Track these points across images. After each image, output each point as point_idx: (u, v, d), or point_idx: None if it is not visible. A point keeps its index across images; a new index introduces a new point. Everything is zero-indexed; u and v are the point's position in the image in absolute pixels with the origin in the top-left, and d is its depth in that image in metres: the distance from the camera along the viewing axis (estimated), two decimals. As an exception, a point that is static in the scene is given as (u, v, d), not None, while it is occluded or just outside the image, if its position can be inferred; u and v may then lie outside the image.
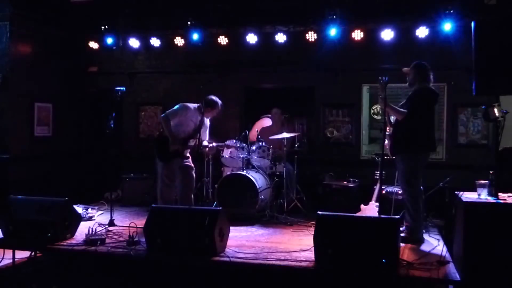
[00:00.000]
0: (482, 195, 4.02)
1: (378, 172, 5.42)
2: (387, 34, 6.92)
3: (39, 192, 5.42)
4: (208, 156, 7.00)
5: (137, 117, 8.69)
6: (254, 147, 6.65)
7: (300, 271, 4.10)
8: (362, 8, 7.02)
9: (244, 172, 6.29)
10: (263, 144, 6.68)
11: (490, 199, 3.96)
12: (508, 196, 4.05)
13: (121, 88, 5.93)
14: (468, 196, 4.12)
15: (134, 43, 7.93)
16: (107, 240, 4.79)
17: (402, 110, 4.94)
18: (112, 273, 4.59)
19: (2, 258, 4.73)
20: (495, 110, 4.00)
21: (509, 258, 3.69)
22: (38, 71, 7.87)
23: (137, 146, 8.60)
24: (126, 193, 7.59)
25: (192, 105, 5.92)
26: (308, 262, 4.19)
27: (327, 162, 7.71)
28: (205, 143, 5.98)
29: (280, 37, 7.36)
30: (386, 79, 4.87)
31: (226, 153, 6.62)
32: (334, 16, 6.76)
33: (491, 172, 4.15)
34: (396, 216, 4.53)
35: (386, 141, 5.18)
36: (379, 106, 6.84)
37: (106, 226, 5.49)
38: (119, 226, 5.56)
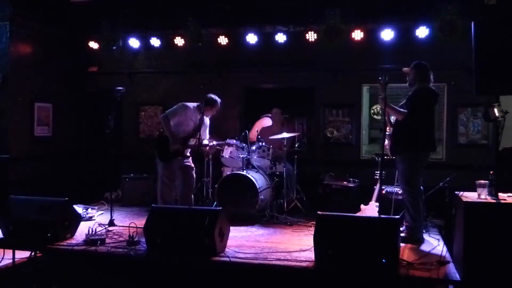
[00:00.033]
0: (482, 195, 4.02)
1: (378, 172, 5.41)
2: (387, 34, 6.92)
3: (39, 192, 5.42)
4: (208, 156, 7.00)
5: (137, 117, 8.69)
6: (254, 147, 6.65)
7: (300, 271, 4.10)
8: (362, 8, 7.02)
9: (244, 172, 6.29)
10: (263, 144, 6.68)
11: (490, 199, 3.96)
12: (508, 196, 4.05)
13: (121, 88, 5.91)
14: (468, 196, 4.12)
15: (134, 43, 7.92)
16: (107, 240, 4.79)
17: (402, 110, 4.94)
18: (112, 273, 4.59)
19: (2, 258, 4.73)
20: (495, 110, 4.00)
21: (509, 258, 3.69)
22: (38, 71, 7.87)
23: (137, 146, 8.61)
24: (126, 193, 7.59)
25: (192, 104, 5.92)
26: (308, 262, 4.19)
27: (327, 162, 7.71)
28: (205, 142, 5.98)
29: (280, 37, 7.35)
30: (386, 79, 4.87)
31: (226, 153, 6.62)
32: (334, 16, 6.75)
33: (491, 172, 4.15)
34: (396, 216, 4.53)
35: (386, 141, 5.18)
36: (379, 106, 6.84)
37: (106, 226, 5.49)
38: (119, 226, 5.56)
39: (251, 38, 7.42)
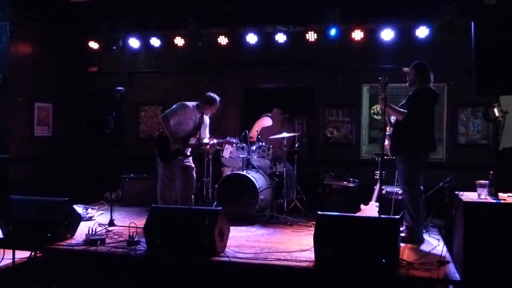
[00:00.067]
0: (482, 195, 4.02)
1: (378, 172, 5.41)
2: (387, 34, 6.91)
3: (39, 192, 5.41)
4: (208, 156, 7.00)
5: (137, 117, 8.70)
6: (254, 147, 6.65)
7: (300, 271, 4.10)
8: (362, 8, 7.02)
9: (244, 172, 6.29)
10: (263, 144, 6.68)
11: (490, 199, 3.96)
12: (508, 196, 4.05)
13: (121, 88, 5.91)
14: (468, 196, 4.12)
15: (134, 43, 7.92)
16: (107, 240, 4.79)
17: (402, 110, 4.94)
18: (112, 273, 4.59)
19: (2, 258, 4.73)
20: (495, 110, 4.00)
21: (509, 258, 3.69)
22: (38, 71, 7.88)
23: (137, 146, 8.61)
24: (126, 193, 7.58)
25: (191, 104, 5.92)
26: (308, 262, 4.19)
27: (327, 162, 7.71)
28: (205, 140, 5.99)
29: (280, 37, 7.35)
30: (386, 79, 4.86)
31: (226, 153, 6.62)
32: (334, 16, 6.75)
33: (491, 172, 4.15)
34: (396, 216, 4.53)
35: (386, 141, 5.18)
36: (379, 106, 6.84)
37: (106, 226, 5.49)
38: (119, 226, 5.56)
39: (251, 38, 7.42)
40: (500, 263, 3.71)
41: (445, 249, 4.52)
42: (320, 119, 7.93)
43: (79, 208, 5.97)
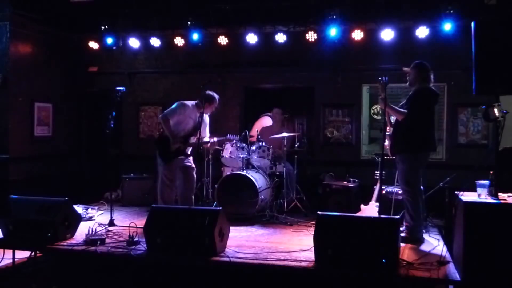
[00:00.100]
0: (482, 195, 4.02)
1: (378, 172, 5.41)
2: (387, 34, 6.91)
3: (39, 192, 5.42)
4: (208, 156, 7.00)
5: (137, 117, 8.70)
6: (254, 147, 6.65)
7: (300, 271, 4.10)
8: (362, 8, 7.02)
9: (244, 172, 6.29)
10: (263, 144, 6.68)
11: (490, 199, 3.96)
12: (508, 196, 4.05)
13: (121, 88, 5.91)
14: (468, 196, 4.12)
15: (134, 43, 7.92)
16: (107, 240, 4.79)
17: (402, 110, 4.94)
18: (112, 273, 4.59)
19: (2, 258, 4.73)
20: (495, 110, 4.00)
21: (509, 258, 3.69)
22: (38, 71, 7.88)
23: (137, 146, 8.61)
24: (126, 193, 7.58)
25: (190, 103, 5.94)
26: (308, 262, 4.19)
27: (327, 162, 7.72)
28: (206, 139, 6.00)
29: (280, 37, 7.35)
30: (386, 79, 4.86)
31: (226, 153, 6.62)
32: (334, 16, 6.75)
33: (491, 172, 4.15)
34: (396, 216, 4.53)
35: (386, 141, 5.18)
36: (379, 106, 6.84)
37: (106, 226, 5.49)
38: (119, 226, 5.56)
39: (251, 38, 7.42)
40: (500, 263, 3.71)
41: (445, 249, 4.51)
42: (320, 119, 7.93)
43: (79, 208, 5.97)
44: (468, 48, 4.20)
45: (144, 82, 8.65)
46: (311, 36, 7.21)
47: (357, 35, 7.05)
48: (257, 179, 6.28)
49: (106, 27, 7.66)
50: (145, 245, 4.52)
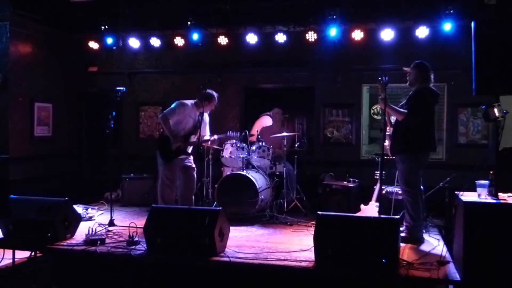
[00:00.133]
0: (482, 195, 4.02)
1: (378, 172, 5.41)
2: (387, 34, 6.91)
3: (39, 192, 5.42)
4: (209, 156, 7.00)
5: (137, 117, 8.70)
6: (254, 147, 6.65)
7: (300, 271, 4.10)
8: (362, 8, 7.03)
9: (244, 172, 6.29)
10: (263, 144, 6.68)
11: (490, 199, 3.96)
12: (508, 196, 4.05)
13: (121, 88, 5.91)
14: (468, 196, 4.12)
15: (134, 43, 7.92)
16: (107, 240, 4.79)
17: (402, 110, 4.94)
18: (112, 273, 4.59)
19: (2, 258, 4.73)
20: (495, 110, 4.00)
21: (509, 258, 3.69)
22: (38, 71, 7.88)
23: (137, 146, 8.61)
24: (126, 193, 7.58)
25: (189, 102, 5.95)
26: (308, 262, 4.19)
27: (327, 162, 7.71)
28: (206, 137, 6.01)
29: (280, 37, 7.35)
30: (386, 79, 4.86)
31: (226, 153, 6.62)
32: (334, 16, 6.75)
33: (491, 172, 4.15)
34: (396, 216, 4.53)
35: (386, 141, 5.18)
36: (379, 106, 6.84)
37: (106, 226, 5.49)
38: (119, 226, 5.56)
39: (251, 38, 7.42)
40: (500, 263, 3.71)
41: (445, 249, 4.51)
42: (320, 119, 7.93)
43: (79, 208, 5.97)
44: (468, 48, 4.20)
45: (144, 82, 8.65)
46: (311, 36, 7.21)
47: (357, 35, 7.05)
48: (257, 179, 6.28)
49: (106, 27, 7.67)
50: (145, 245, 4.52)
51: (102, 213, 6.42)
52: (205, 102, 5.85)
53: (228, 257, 4.28)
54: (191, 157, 6.06)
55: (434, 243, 4.90)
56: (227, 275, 4.35)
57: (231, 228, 4.81)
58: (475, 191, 4.09)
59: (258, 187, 6.15)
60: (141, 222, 4.94)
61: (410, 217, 4.91)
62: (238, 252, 4.46)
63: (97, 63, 8.75)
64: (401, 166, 4.97)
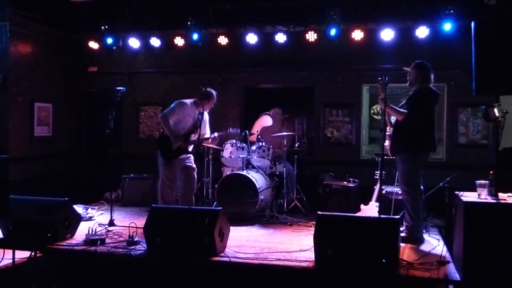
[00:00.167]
0: (482, 195, 4.02)
1: (378, 172, 5.41)
2: (387, 34, 6.91)
3: (39, 192, 5.42)
4: (209, 156, 7.00)
5: (137, 117, 8.70)
6: (254, 147, 6.65)
7: (300, 271, 4.10)
8: (362, 8, 7.03)
9: (244, 172, 6.29)
10: (263, 144, 6.68)
11: (490, 199, 3.96)
12: (508, 196, 4.05)
13: (121, 88, 5.91)
14: (468, 196, 4.12)
15: (134, 43, 7.92)
16: (107, 240, 4.79)
17: (402, 110, 4.94)
18: (112, 273, 4.59)
19: (2, 258, 4.73)
20: (495, 110, 4.00)
21: (509, 258, 3.69)
22: (38, 71, 7.88)
23: (137, 146, 8.61)
24: (126, 193, 7.58)
25: (188, 101, 5.97)
26: (308, 262, 4.18)
27: (327, 162, 7.71)
28: (207, 136, 6.01)
29: (280, 37, 7.35)
30: (386, 79, 4.86)
31: (226, 153, 6.62)
32: (334, 16, 6.75)
33: (491, 172, 4.15)
34: (396, 216, 4.53)
35: (386, 141, 5.18)
36: (379, 106, 6.84)
37: (106, 226, 5.49)
38: (119, 226, 5.56)
39: (251, 38, 7.42)
40: (500, 263, 3.71)
41: (445, 249, 4.52)
42: (320, 119, 7.93)
43: (79, 208, 5.97)
44: (468, 48, 4.20)
45: (144, 82, 8.65)
46: (311, 36, 7.21)
47: (357, 35, 7.05)
48: (257, 179, 6.28)
49: (106, 27, 7.66)
50: (145, 245, 4.52)
51: (102, 213, 6.42)
52: (204, 101, 5.86)
53: (228, 257, 4.28)
54: (192, 157, 6.06)
55: (434, 243, 4.90)
56: (227, 275, 4.35)
57: (231, 228, 4.81)
58: (475, 191, 4.09)
59: (258, 187, 6.15)
60: (141, 222, 4.94)
61: (410, 217, 4.91)
62: (238, 252, 4.46)
63: (97, 63, 8.74)
64: (401, 166, 4.97)
